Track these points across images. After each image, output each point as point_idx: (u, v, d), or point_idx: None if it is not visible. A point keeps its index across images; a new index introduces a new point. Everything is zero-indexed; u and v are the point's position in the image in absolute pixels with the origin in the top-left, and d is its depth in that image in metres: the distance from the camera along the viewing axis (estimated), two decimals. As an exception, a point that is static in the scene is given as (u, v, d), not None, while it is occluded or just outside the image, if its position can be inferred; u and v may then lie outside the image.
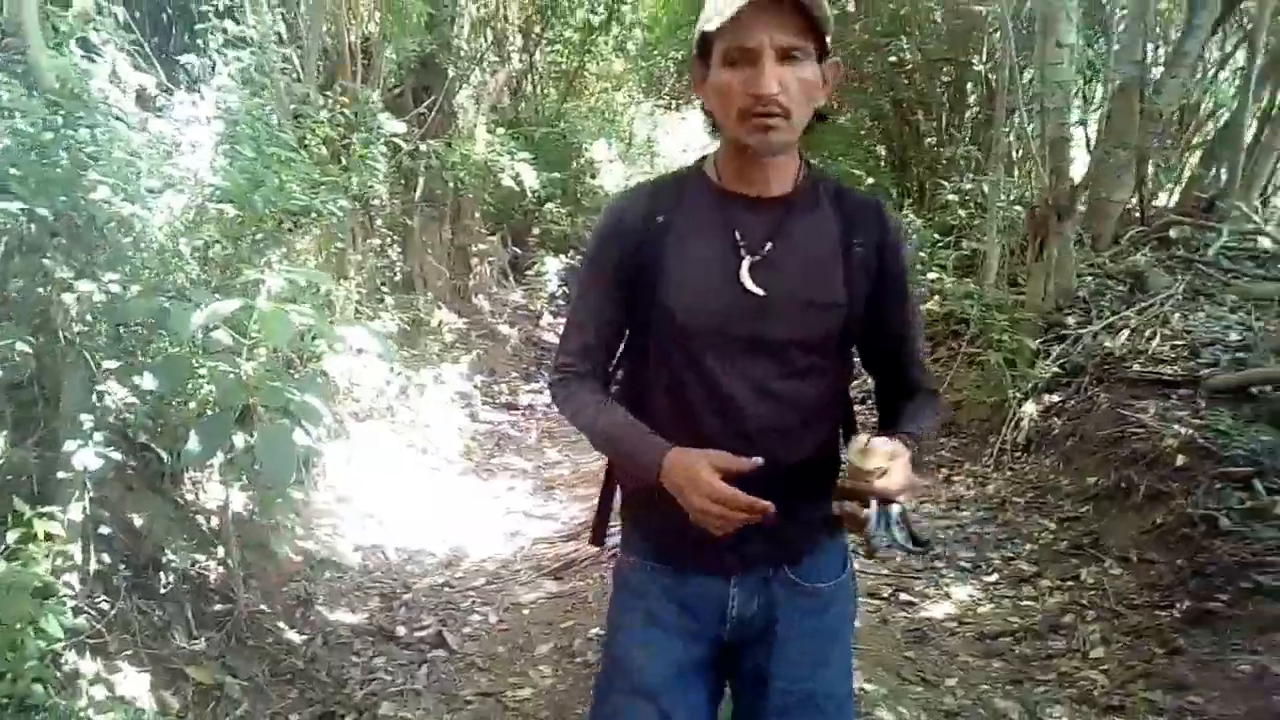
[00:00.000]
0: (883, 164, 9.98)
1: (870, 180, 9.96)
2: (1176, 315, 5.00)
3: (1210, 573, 3.18)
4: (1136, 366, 4.57)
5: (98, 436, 2.54)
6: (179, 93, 4.10)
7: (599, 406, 1.45)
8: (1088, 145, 7.43)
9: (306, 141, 4.44)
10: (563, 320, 1.58)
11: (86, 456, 2.50)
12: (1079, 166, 7.20)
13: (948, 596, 3.59)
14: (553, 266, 10.25)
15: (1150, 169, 7.07)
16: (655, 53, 14.01)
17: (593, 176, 12.37)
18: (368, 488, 4.50)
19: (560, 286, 9.91)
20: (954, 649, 3.23)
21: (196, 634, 2.98)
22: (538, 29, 11.26)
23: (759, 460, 1.29)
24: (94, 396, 2.63)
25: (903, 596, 3.60)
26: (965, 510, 4.34)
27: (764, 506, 1.26)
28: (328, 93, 4.96)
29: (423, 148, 6.12)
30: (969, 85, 8.92)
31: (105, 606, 2.68)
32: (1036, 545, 3.84)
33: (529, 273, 10.32)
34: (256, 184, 3.63)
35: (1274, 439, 3.65)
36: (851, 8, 9.49)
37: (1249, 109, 6.56)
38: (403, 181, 6.70)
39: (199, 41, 4.45)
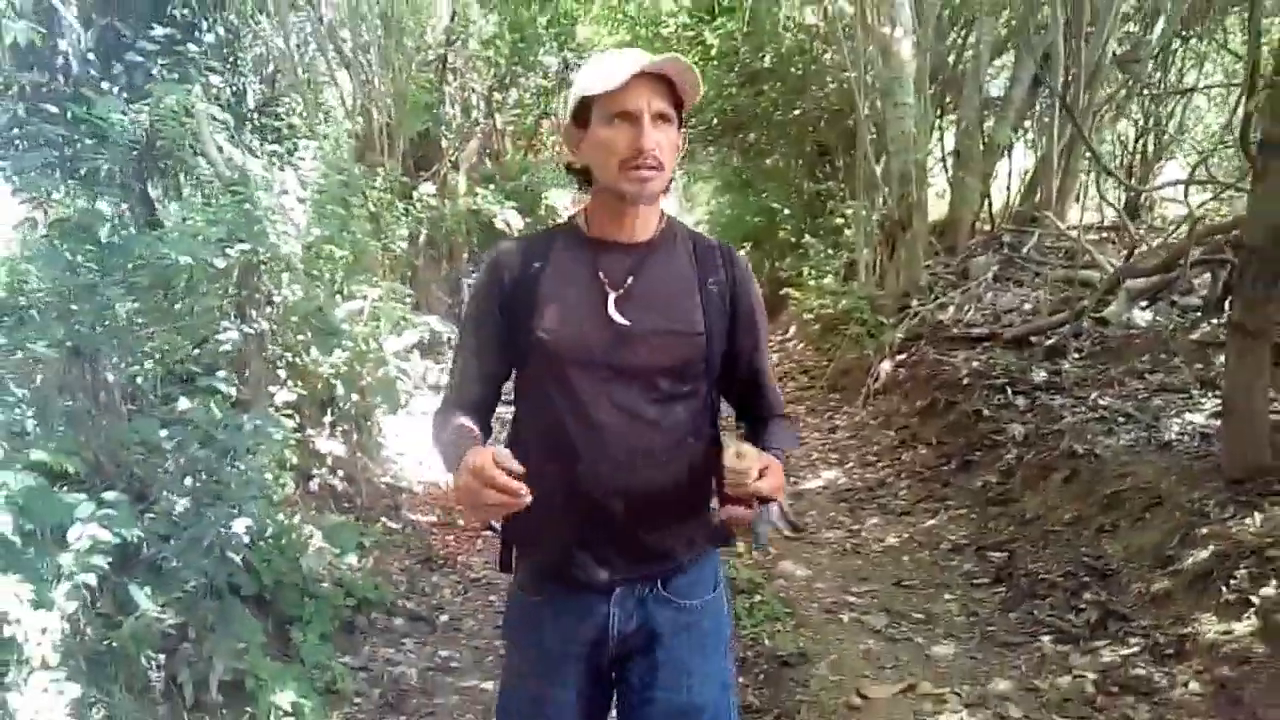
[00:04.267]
0: (800, 196, 11.91)
1: (787, 211, 11.97)
2: (989, 294, 6.96)
3: (973, 441, 5.08)
4: (955, 330, 6.51)
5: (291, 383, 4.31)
6: (274, 170, 5.90)
7: (449, 429, 1.52)
8: (948, 175, 9.45)
9: (363, 202, 6.25)
10: None
11: (284, 394, 4.27)
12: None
13: (819, 477, 5.46)
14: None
15: (993, 191, 9.11)
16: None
17: (555, 219, 14.23)
18: (415, 446, 6.26)
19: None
20: (817, 500, 5.11)
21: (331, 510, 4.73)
22: (497, 96, 13.20)
23: (527, 498, 1.27)
24: (282, 361, 4.40)
25: (790, 479, 5.45)
26: (839, 434, 6.23)
27: (516, 489, 1.25)
28: (369, 167, 6.79)
29: (432, 203, 7.96)
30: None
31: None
32: (880, 445, 5.73)
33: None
34: (343, 231, 5.45)
35: (1023, 363, 5.58)
36: (769, 64, 11.44)
37: (1055, 143, 8.62)
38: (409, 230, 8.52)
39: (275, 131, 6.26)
